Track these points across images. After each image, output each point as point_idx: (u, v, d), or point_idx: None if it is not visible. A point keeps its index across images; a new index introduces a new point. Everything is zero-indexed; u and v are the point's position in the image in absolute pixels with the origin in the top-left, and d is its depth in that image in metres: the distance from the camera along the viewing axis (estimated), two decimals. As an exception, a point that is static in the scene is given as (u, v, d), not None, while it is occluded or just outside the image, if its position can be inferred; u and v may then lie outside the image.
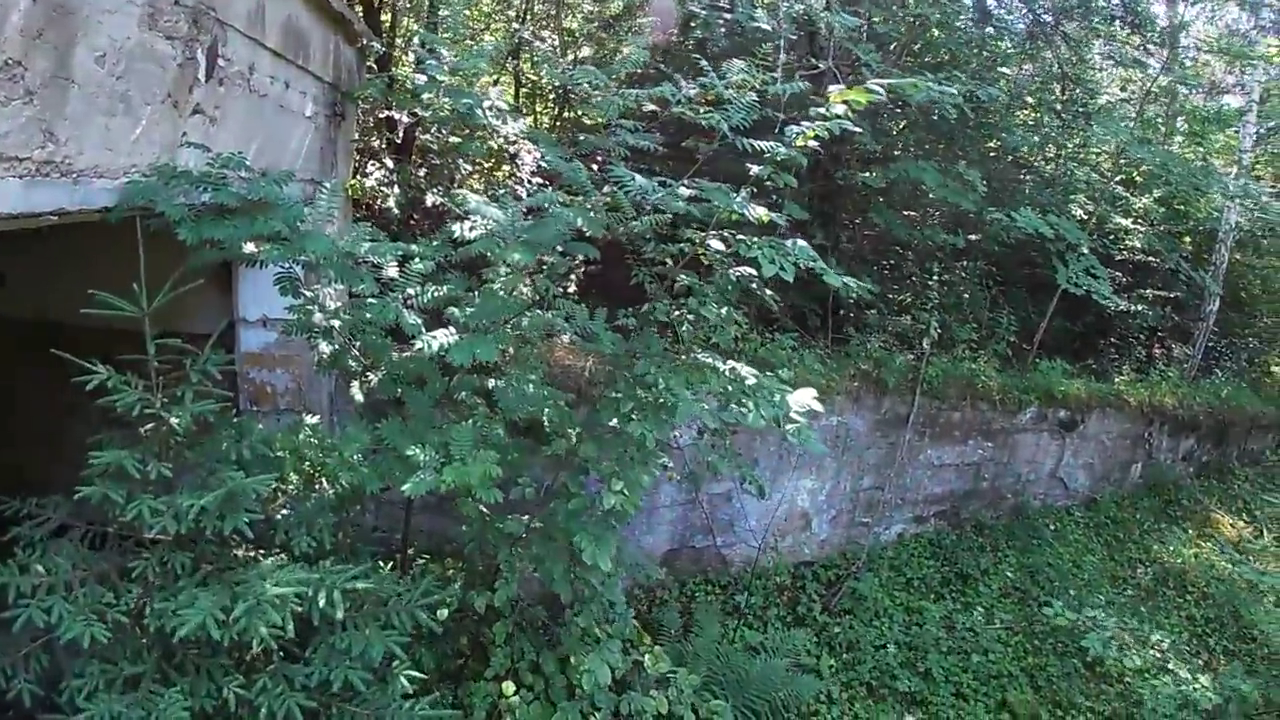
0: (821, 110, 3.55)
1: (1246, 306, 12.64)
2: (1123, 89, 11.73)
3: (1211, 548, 9.23)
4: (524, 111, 7.52)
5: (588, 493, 3.94)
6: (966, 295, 8.32)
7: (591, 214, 3.87)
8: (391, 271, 3.79)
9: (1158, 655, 6.63)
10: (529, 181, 5.15)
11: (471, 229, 3.68)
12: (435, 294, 3.76)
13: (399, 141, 6.86)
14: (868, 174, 7.18)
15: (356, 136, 5.98)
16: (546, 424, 4.09)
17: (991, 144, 8.92)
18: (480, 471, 3.15)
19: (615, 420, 3.85)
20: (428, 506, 4.36)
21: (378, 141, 6.87)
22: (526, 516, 4.20)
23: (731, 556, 6.34)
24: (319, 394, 4.83)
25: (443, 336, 3.36)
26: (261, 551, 3.38)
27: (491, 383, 4.04)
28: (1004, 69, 8.77)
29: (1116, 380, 9.43)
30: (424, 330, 3.44)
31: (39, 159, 2.33)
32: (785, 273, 3.49)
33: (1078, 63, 9.59)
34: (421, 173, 6.86)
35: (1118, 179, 9.90)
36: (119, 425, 3.05)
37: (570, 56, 7.81)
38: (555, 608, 4.57)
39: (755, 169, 3.81)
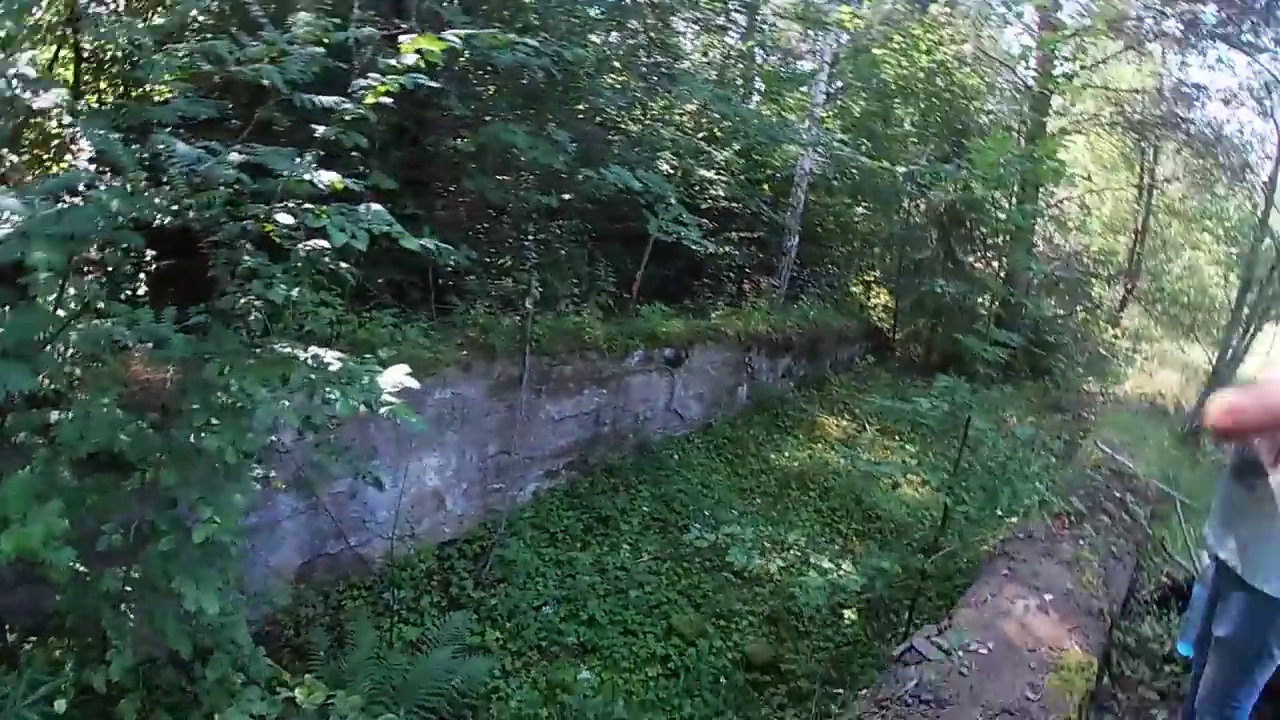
0: (393, 62, 3.42)
1: (823, 240, 14.59)
2: (705, 55, 12.75)
3: (823, 448, 10.55)
4: (83, 90, 6.75)
5: (183, 527, 3.42)
6: (564, 253, 8.76)
7: (133, 194, 3.32)
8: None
9: (798, 553, 7.19)
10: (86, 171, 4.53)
11: (-3, 228, 3.04)
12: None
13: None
14: (458, 140, 7.34)
15: None
16: (125, 453, 3.48)
17: (581, 106, 9.37)
18: (43, 531, 2.75)
19: (192, 436, 3.43)
20: (22, 578, 3.66)
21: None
22: (124, 568, 3.60)
23: (370, 554, 6.10)
24: None
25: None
26: None
27: (55, 415, 3.40)
28: (593, 36, 9.23)
29: (713, 315, 10.47)
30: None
31: None
32: (358, 241, 3.31)
33: (663, 28, 10.34)
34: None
35: (701, 135, 10.95)
36: None
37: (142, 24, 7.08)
38: (187, 664, 3.90)
39: (322, 129, 3.58)
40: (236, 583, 4.10)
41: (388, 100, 3.53)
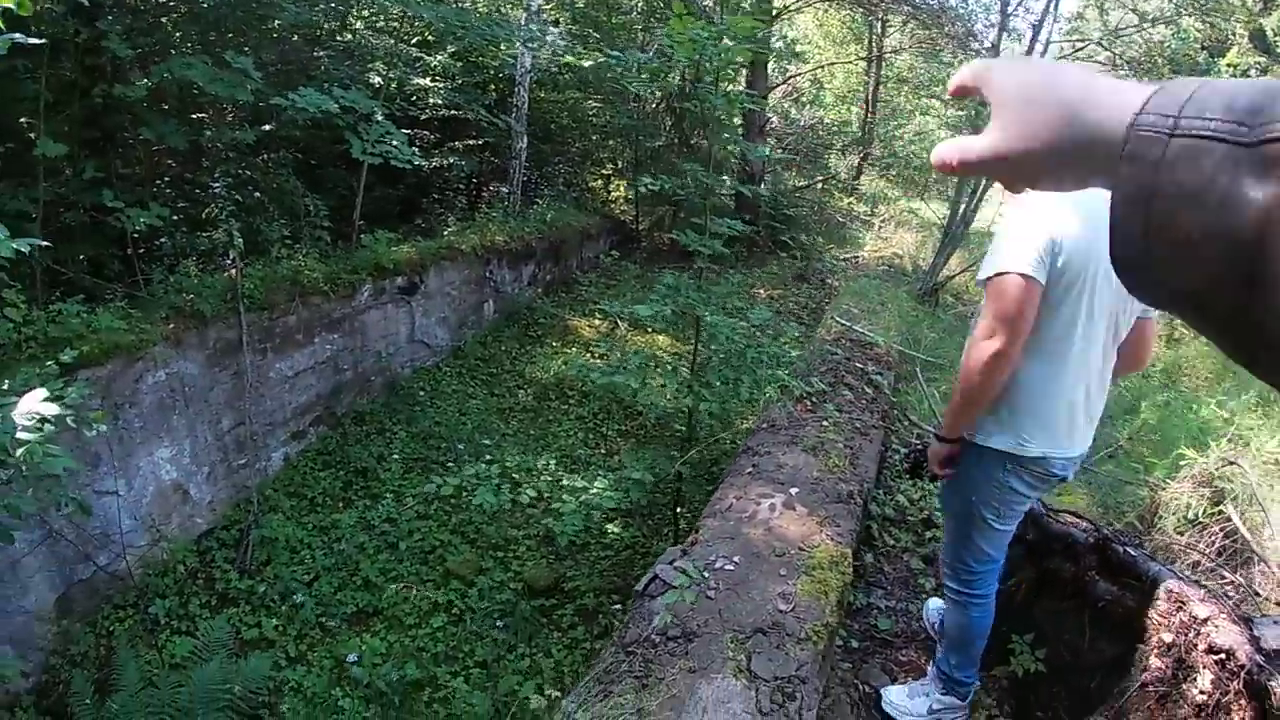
0: None
1: (556, 138, 14.63)
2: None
3: (577, 351, 10.82)
4: None
5: None
6: (265, 191, 8.34)
7: None
8: None
9: (549, 479, 7.24)
10: None
11: None
12: None
13: None
14: (130, 86, 6.81)
15: None
16: None
17: (276, 24, 8.87)
18: None
19: None
20: None
21: None
22: None
23: (124, 568, 5.77)
24: None
25: None
26: None
27: None
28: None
29: (446, 233, 10.38)
30: None
31: None
32: None
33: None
34: None
35: (414, 41, 10.61)
36: None
37: None
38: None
39: None
40: None
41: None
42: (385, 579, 6.54)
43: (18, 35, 3.18)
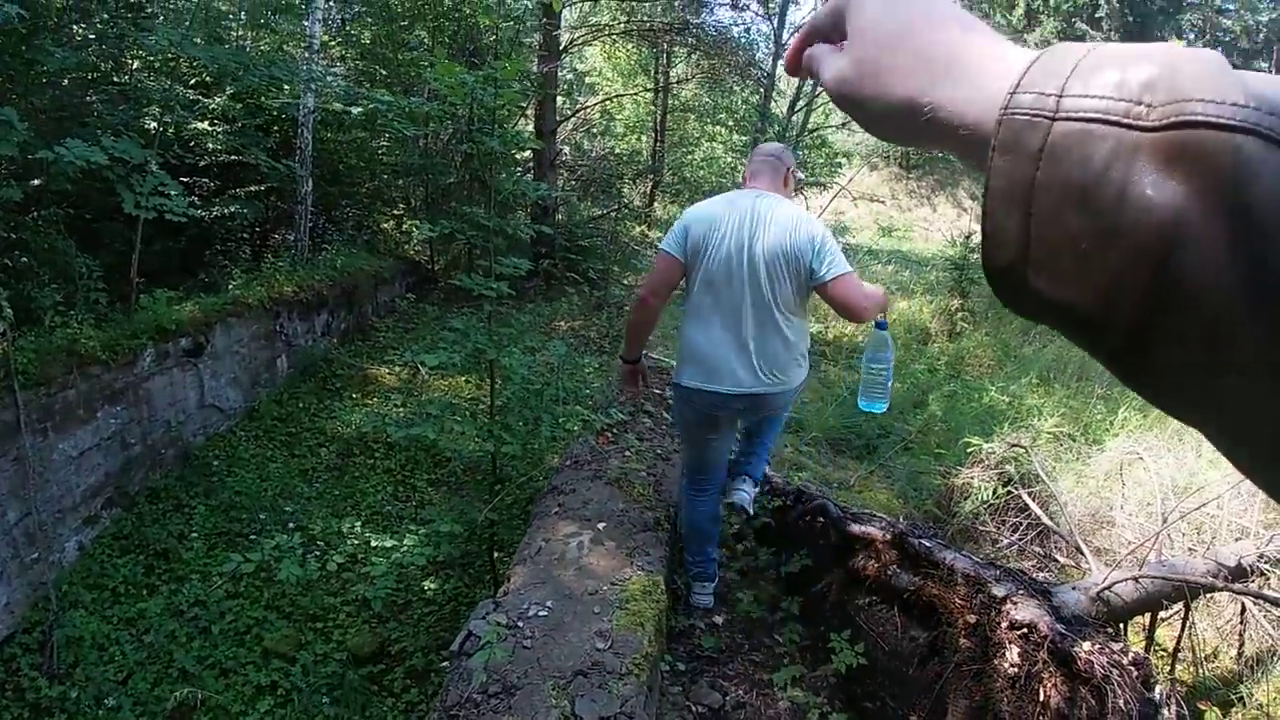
0: None
1: (345, 180, 14.48)
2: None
3: (379, 402, 10.78)
4: None
5: None
6: (33, 254, 7.94)
7: None
8: None
9: (356, 541, 7.43)
10: None
11: None
12: None
13: None
14: None
15: None
16: None
17: (44, 69, 8.46)
18: None
19: None
20: None
21: None
22: None
23: None
24: None
25: None
26: None
27: None
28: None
29: (231, 287, 10.12)
30: None
31: None
32: None
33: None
34: None
35: (192, 83, 10.32)
36: None
37: None
38: None
39: None
40: None
41: None
42: (202, 667, 6.32)
43: None
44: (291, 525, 7.29)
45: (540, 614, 4.13)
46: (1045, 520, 6.57)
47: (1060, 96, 0.49)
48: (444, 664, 6.15)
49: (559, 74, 17.04)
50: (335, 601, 7.11)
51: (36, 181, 7.83)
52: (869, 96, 0.66)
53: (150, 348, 8.06)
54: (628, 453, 6.33)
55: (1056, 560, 6.57)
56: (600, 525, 5.07)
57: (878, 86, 0.65)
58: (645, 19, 17.85)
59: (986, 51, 0.59)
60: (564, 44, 16.26)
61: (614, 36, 18.39)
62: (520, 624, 4.03)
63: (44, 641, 6.28)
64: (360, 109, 11.76)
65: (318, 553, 6.78)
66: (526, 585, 4.44)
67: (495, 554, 6.74)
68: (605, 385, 8.18)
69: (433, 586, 7.20)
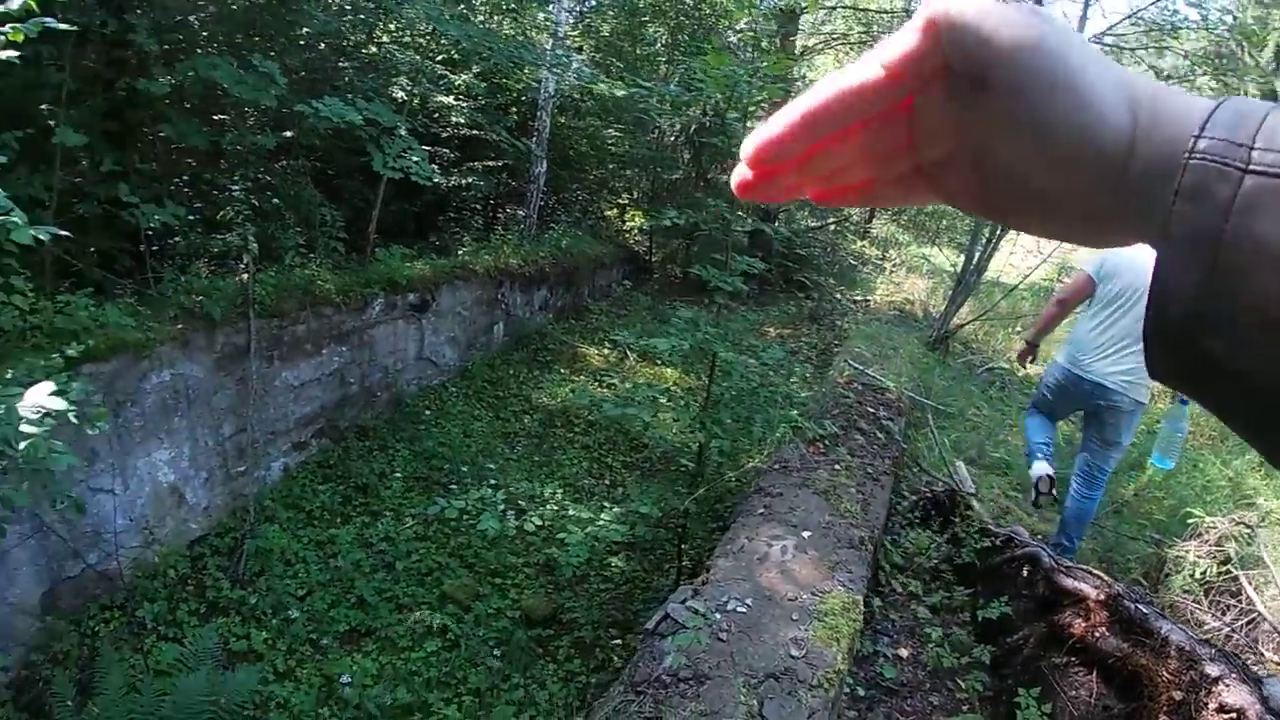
0: None
1: (575, 165, 14.54)
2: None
3: (586, 379, 10.67)
4: None
5: None
6: (283, 198, 8.20)
7: None
8: None
9: (555, 507, 7.40)
10: None
11: None
12: None
13: None
14: (154, 81, 6.67)
15: None
16: None
17: (304, 31, 8.78)
18: None
19: None
20: None
21: None
22: None
23: (115, 569, 5.57)
24: None
25: None
26: None
27: None
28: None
29: (461, 253, 10.22)
30: None
31: None
32: None
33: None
34: None
35: (439, 58, 10.53)
36: None
37: None
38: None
39: None
40: None
41: (12, 54, 3.14)
42: (380, 598, 6.33)
43: (49, 19, 3.13)
44: (493, 482, 7.18)
45: (739, 610, 4.02)
46: (1260, 608, 5.69)
47: (1250, 148, 0.43)
48: (615, 641, 6.08)
49: (792, 80, 16.52)
50: (517, 561, 7.03)
51: (289, 134, 8.09)
52: (1021, 148, 0.50)
53: (380, 298, 8.19)
54: (838, 466, 6.09)
55: (1263, 654, 5.73)
56: (805, 534, 4.93)
57: (1035, 132, 0.49)
58: (881, 30, 17.03)
59: (1158, 89, 0.50)
60: (799, 50, 15.73)
61: (849, 46, 17.65)
62: (718, 615, 3.93)
63: (234, 548, 6.40)
64: (600, 94, 11.69)
65: (515, 512, 6.70)
66: (727, 579, 4.36)
67: (683, 544, 6.54)
68: (817, 394, 7.78)
69: (618, 564, 7.04)
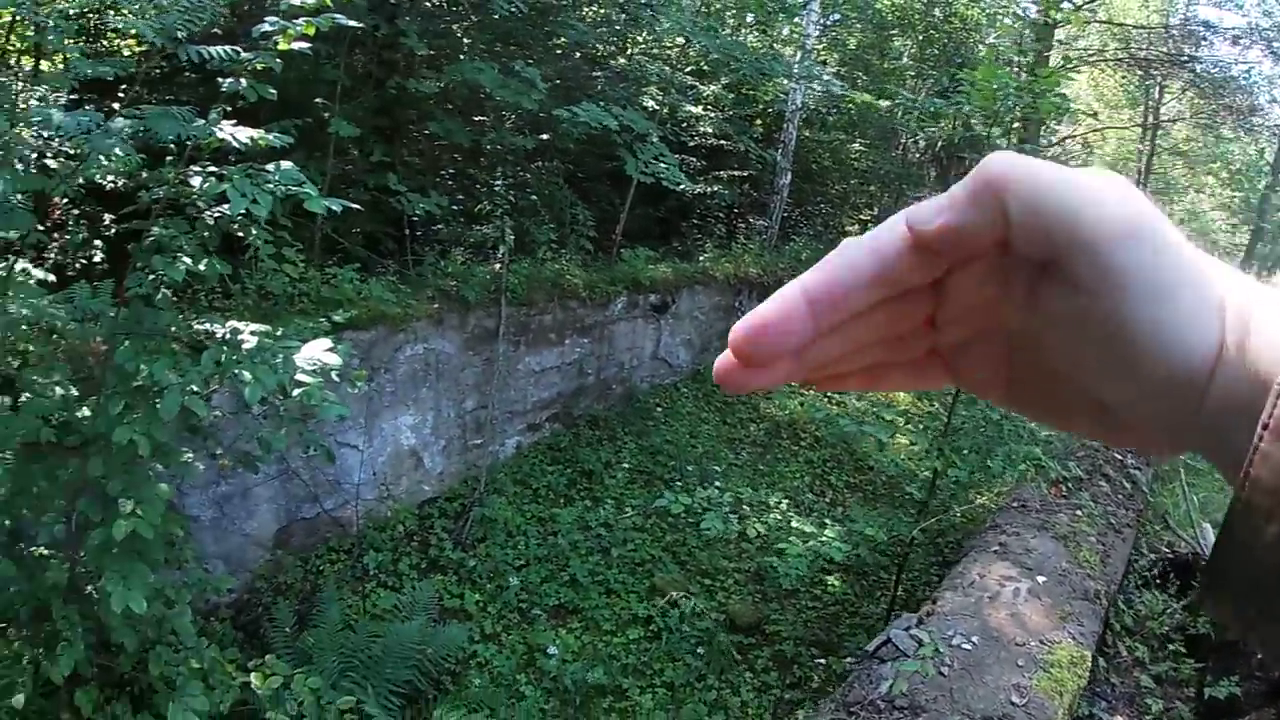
0: (296, 2, 3.13)
1: (817, 178, 14.25)
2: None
3: (815, 395, 10.40)
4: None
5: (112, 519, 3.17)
6: (542, 196, 8.49)
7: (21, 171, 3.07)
8: None
9: (779, 517, 7.31)
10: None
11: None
12: None
13: None
14: (423, 81, 7.06)
15: None
16: (64, 439, 3.27)
17: (560, 41, 9.08)
18: None
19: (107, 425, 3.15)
20: None
21: None
22: (67, 559, 3.48)
23: (348, 517, 6.01)
24: None
25: None
26: None
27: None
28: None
29: (701, 258, 10.22)
30: None
31: None
32: (260, 207, 3.03)
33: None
34: None
35: (689, 69, 10.61)
36: None
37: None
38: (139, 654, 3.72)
39: (227, 82, 3.25)
40: (197, 560, 4.02)
41: (303, 45, 3.23)
42: (591, 580, 6.45)
43: (340, 15, 3.23)
44: (717, 485, 7.11)
45: (964, 646, 3.88)
46: None
47: None
48: (819, 660, 5.96)
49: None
50: (729, 566, 6.95)
51: (544, 136, 8.31)
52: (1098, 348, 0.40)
53: (623, 296, 8.34)
54: (1079, 511, 5.79)
55: None
56: (1040, 578, 4.71)
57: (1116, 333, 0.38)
58: (1139, 47, 15.54)
59: (1254, 294, 0.39)
60: (1055, 65, 14.70)
61: (1105, 64, 16.29)
62: (942, 650, 3.78)
63: (461, 513, 6.66)
64: (852, 105, 11.39)
65: (738, 516, 6.60)
66: (954, 613, 4.24)
67: (901, 573, 6.26)
68: (1058, 435, 7.31)
69: (834, 584, 6.84)
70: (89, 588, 3.52)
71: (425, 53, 6.91)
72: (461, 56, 7.47)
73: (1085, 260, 0.38)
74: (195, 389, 3.12)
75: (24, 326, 3.35)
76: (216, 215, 3.36)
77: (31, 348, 3.59)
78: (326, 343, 3.32)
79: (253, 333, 3.25)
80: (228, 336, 3.23)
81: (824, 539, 5.78)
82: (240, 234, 3.78)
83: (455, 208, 7.84)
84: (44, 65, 5.72)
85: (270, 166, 3.15)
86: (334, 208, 3.28)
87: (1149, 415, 0.41)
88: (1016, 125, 12.38)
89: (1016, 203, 0.38)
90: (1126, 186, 0.39)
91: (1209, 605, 0.41)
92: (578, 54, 9.64)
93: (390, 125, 7.25)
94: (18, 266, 3.38)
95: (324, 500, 5.79)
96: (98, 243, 5.26)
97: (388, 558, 6.03)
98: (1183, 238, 0.39)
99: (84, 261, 5.24)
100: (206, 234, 3.38)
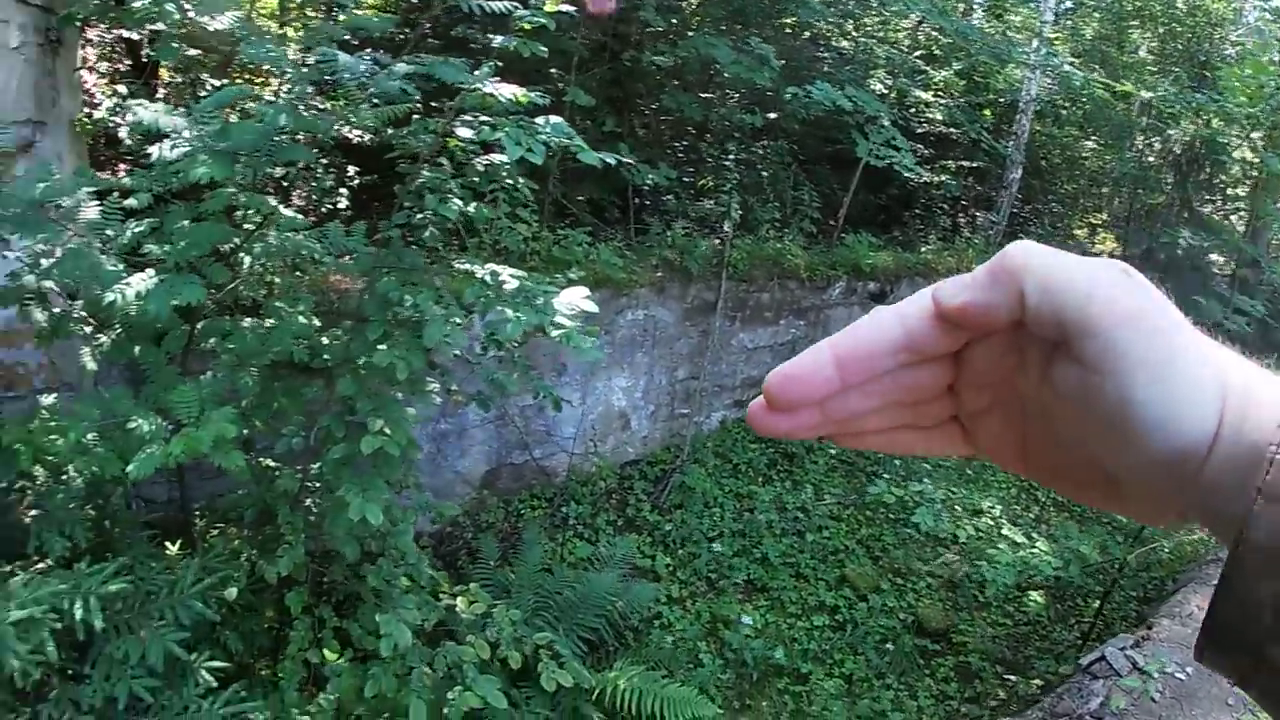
0: None
1: (1047, 175, 13.30)
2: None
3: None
4: (289, 14, 6.90)
5: (356, 436, 3.43)
6: (767, 174, 8.31)
7: (304, 110, 3.24)
8: (90, 213, 3.04)
9: (990, 522, 6.95)
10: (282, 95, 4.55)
11: (173, 147, 2.99)
12: (135, 231, 3.03)
13: (134, 64, 5.90)
14: (657, 54, 7.05)
15: (87, 62, 5.37)
16: (307, 361, 3.52)
17: (789, 20, 8.89)
18: (213, 434, 2.74)
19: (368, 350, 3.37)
20: (213, 471, 3.48)
21: (112, 66, 6.00)
22: (301, 470, 3.78)
23: (553, 467, 6.21)
24: (77, 366, 4.29)
25: (138, 283, 2.79)
26: (19, 564, 2.93)
27: (247, 323, 3.44)
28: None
29: (924, 249, 9.74)
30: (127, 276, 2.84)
31: None
32: (534, 155, 3.11)
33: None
34: (161, 95, 5.82)
35: (918, 54, 10.14)
36: None
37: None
38: (356, 565, 4.02)
39: (499, 39, 3.34)
40: (418, 487, 4.23)
41: (568, 8, 3.31)
42: (782, 561, 6.38)
43: None
44: (927, 481, 6.85)
45: (1178, 676, 3.81)
46: None
47: None
48: (1009, 677, 5.84)
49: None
50: (921, 567, 6.72)
51: (772, 115, 8.13)
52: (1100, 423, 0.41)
53: (842, 281, 8.13)
54: None
55: None
56: None
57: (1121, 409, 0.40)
58: None
59: (1253, 375, 0.41)
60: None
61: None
62: (1155, 676, 3.74)
63: (661, 478, 6.73)
64: (1148, 94, 10.59)
65: (949, 515, 6.51)
66: (1169, 641, 4.18)
67: (1106, 599, 6.02)
68: None
69: (1037, 600, 6.56)
70: (308, 500, 3.82)
71: (660, 27, 6.87)
72: (691, 32, 7.40)
73: (1092, 342, 0.40)
74: (458, 320, 3.28)
75: (280, 258, 3.59)
76: (485, 164, 3.54)
77: (277, 280, 3.84)
78: (584, 290, 3.38)
79: (513, 275, 3.37)
80: (487, 278, 3.36)
81: (1035, 550, 5.77)
82: (491, 189, 3.94)
83: (685, 180, 7.79)
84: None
85: (540, 120, 3.24)
86: (609, 160, 3.41)
87: (1150, 487, 0.42)
88: (1276, 130, 11.24)
89: (1033, 287, 0.41)
90: (1136, 277, 0.41)
91: (1208, 658, 0.41)
92: (806, 34, 9.40)
93: (621, 97, 7.29)
94: (273, 203, 3.54)
95: (534, 449, 6.02)
96: (343, 190, 5.65)
97: (586, 510, 6.19)
98: (1186, 322, 0.41)
99: (330, 207, 5.57)
100: (477, 179, 3.60)
